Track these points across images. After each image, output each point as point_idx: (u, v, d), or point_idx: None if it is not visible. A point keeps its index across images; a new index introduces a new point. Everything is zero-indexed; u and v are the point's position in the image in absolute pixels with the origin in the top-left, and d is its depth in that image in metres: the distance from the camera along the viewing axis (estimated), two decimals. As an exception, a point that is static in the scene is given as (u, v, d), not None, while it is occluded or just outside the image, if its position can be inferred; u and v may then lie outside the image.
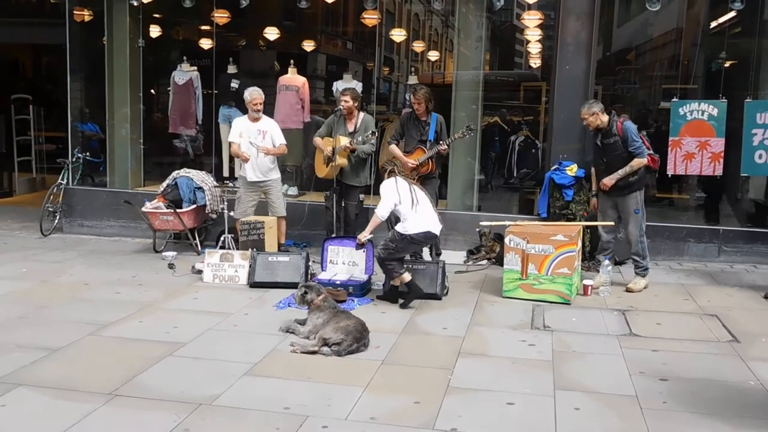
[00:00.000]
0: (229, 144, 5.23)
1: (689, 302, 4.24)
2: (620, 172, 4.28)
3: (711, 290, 4.51)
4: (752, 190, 5.89)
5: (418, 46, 8.03)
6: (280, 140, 5.10)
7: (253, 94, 4.99)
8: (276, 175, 5.15)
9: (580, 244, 4.38)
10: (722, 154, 5.29)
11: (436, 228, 4.17)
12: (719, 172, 5.35)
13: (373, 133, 4.90)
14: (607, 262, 4.42)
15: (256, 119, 5.04)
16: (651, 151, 4.42)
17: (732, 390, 2.87)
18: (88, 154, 6.53)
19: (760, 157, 5.24)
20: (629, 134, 4.28)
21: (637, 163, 4.28)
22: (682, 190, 6.19)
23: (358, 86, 6.35)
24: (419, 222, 4.08)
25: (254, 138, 5.02)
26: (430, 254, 4.91)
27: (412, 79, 6.89)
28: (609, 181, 4.30)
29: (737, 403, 2.74)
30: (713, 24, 6.14)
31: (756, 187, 5.84)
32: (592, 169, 4.67)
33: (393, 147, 4.82)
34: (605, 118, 4.34)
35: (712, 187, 5.77)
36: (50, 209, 6.17)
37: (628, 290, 4.40)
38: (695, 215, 5.96)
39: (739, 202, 5.94)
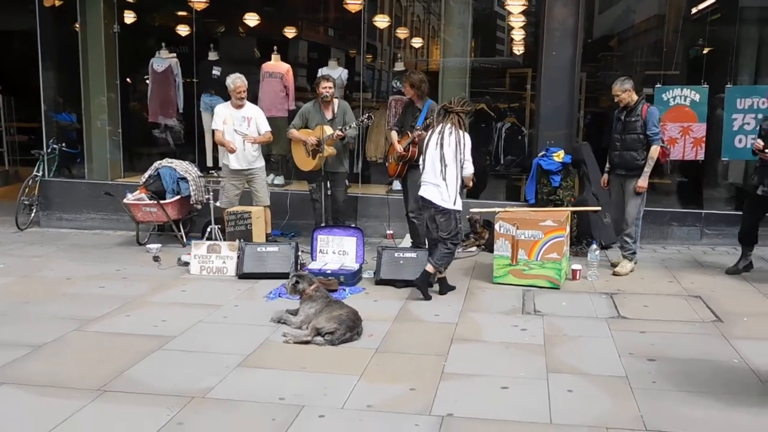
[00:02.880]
0: (213, 132, 5.12)
1: (674, 284, 4.33)
2: (647, 169, 4.38)
3: (694, 272, 4.61)
4: (732, 175, 6.02)
5: (402, 32, 7.95)
6: (266, 127, 5.01)
7: (236, 82, 4.87)
8: (261, 163, 5.07)
9: (568, 229, 4.42)
10: (704, 139, 5.39)
11: (427, 193, 3.83)
12: (701, 156, 5.46)
13: (369, 117, 4.86)
14: (594, 246, 4.48)
15: (239, 106, 4.94)
16: (664, 144, 4.51)
17: (718, 368, 2.94)
18: (64, 144, 6.32)
19: (741, 141, 5.37)
20: (651, 118, 4.37)
21: (654, 150, 4.38)
22: (665, 175, 6.29)
23: (344, 73, 6.27)
24: (422, 182, 3.88)
25: (239, 125, 4.92)
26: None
27: (398, 66, 6.82)
28: (644, 182, 4.40)
29: (723, 381, 2.81)
30: (694, 10, 6.21)
31: (736, 171, 5.97)
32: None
33: (393, 133, 4.73)
34: (635, 96, 4.45)
35: (694, 171, 5.88)
36: (26, 202, 5.98)
37: (615, 273, 4.48)
38: (678, 199, 6.07)
39: (720, 186, 6.07)
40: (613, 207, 4.72)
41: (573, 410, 2.56)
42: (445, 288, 4.02)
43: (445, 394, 2.67)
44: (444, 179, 3.75)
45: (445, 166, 3.73)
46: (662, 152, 4.46)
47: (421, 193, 3.90)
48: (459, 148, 3.74)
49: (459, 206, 3.86)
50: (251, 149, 4.95)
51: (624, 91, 4.41)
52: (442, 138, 3.77)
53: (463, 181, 3.87)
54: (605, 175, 4.72)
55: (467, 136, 3.81)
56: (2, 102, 8.19)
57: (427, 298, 3.91)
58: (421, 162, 3.92)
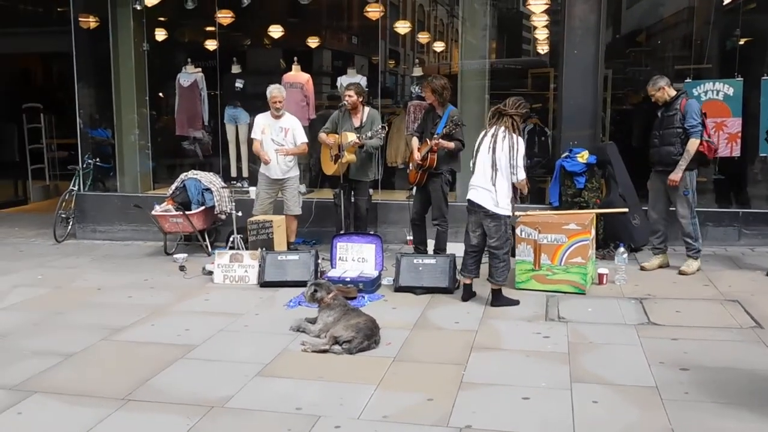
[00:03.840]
0: (252, 141, 5.21)
1: (709, 288, 4.12)
2: (682, 163, 4.23)
3: (732, 275, 4.39)
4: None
5: (423, 37, 7.94)
6: (302, 138, 5.09)
7: (273, 92, 4.98)
8: (295, 173, 5.17)
9: (593, 232, 4.28)
10: (739, 135, 5.13)
11: (477, 197, 3.71)
12: (737, 153, 5.20)
13: (382, 127, 4.85)
14: (622, 249, 4.32)
15: (277, 116, 5.04)
16: (708, 139, 4.37)
17: (757, 378, 2.77)
18: (98, 159, 6.59)
19: (780, 136, 5.09)
20: (690, 111, 4.24)
21: (692, 145, 4.22)
22: (699, 173, 6.01)
23: (362, 80, 6.29)
24: (471, 186, 3.79)
25: (276, 135, 5.03)
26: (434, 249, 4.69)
27: (417, 71, 6.80)
28: (675, 176, 4.26)
29: (763, 392, 2.65)
30: (726, 0, 5.94)
31: (776, 167, 5.65)
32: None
33: (414, 140, 4.69)
34: (672, 92, 4.34)
35: (730, 168, 5.61)
36: (63, 216, 6.24)
37: (681, 273, 4.36)
38: (713, 198, 5.79)
39: (759, 184, 5.76)
40: (651, 205, 4.53)
41: (598, 422, 2.45)
42: (502, 301, 3.84)
43: (463, 404, 2.61)
44: (494, 184, 3.67)
45: (496, 171, 3.66)
46: (707, 147, 4.29)
47: (471, 197, 3.79)
48: (512, 153, 3.64)
49: (510, 212, 3.78)
50: (285, 159, 5.05)
51: (658, 89, 4.30)
52: (495, 142, 3.68)
53: (515, 187, 3.76)
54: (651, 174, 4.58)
55: (521, 141, 3.71)
56: (43, 120, 8.60)
57: (515, 302, 3.84)
58: (471, 164, 3.85)
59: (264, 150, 5.02)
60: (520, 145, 3.69)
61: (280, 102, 4.98)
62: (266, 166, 5.05)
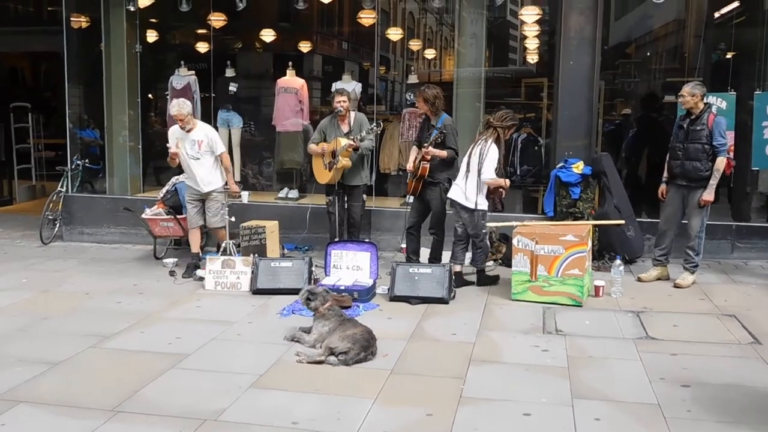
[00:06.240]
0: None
1: (705, 302, 4.13)
2: (713, 182, 4.26)
3: (727, 289, 4.41)
4: (764, 184, 5.78)
5: (415, 44, 7.95)
6: (220, 149, 4.81)
7: (172, 111, 4.69)
8: (214, 186, 4.75)
9: (590, 243, 4.28)
10: (732, 148, 5.18)
11: (451, 193, 4.38)
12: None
13: (378, 125, 4.81)
14: (618, 261, 4.32)
15: (187, 130, 4.74)
16: (730, 156, 4.41)
17: (759, 396, 2.76)
18: (87, 160, 6.46)
19: (772, 150, 5.14)
20: (718, 129, 4.25)
21: (720, 162, 4.26)
22: (728, 187, 6.03)
23: (357, 87, 6.26)
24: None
25: (190, 148, 4.76)
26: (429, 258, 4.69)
27: (412, 78, 6.79)
28: (709, 196, 4.28)
29: (765, 411, 2.63)
30: (717, 14, 6.03)
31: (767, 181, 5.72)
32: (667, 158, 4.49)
33: (413, 149, 4.72)
34: (702, 105, 4.34)
35: (723, 182, 5.65)
36: (50, 217, 6.10)
37: (677, 286, 4.37)
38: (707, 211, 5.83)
39: (751, 197, 5.82)
40: (666, 217, 4.54)
41: (600, 440, 2.43)
42: (484, 281, 4.44)
43: (463, 420, 2.56)
44: (466, 182, 4.30)
45: (467, 171, 4.29)
46: (727, 163, 4.35)
47: (449, 194, 4.45)
48: (480, 158, 4.24)
49: (481, 207, 4.32)
50: (203, 173, 4.75)
51: (692, 95, 4.29)
52: (473, 147, 4.34)
53: (491, 190, 4.35)
54: (662, 185, 4.56)
55: (494, 148, 4.27)
56: (31, 119, 8.43)
57: (470, 283, 4.42)
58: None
59: (181, 159, 4.75)
60: (491, 151, 4.26)
61: (181, 120, 4.67)
62: (191, 178, 4.81)
